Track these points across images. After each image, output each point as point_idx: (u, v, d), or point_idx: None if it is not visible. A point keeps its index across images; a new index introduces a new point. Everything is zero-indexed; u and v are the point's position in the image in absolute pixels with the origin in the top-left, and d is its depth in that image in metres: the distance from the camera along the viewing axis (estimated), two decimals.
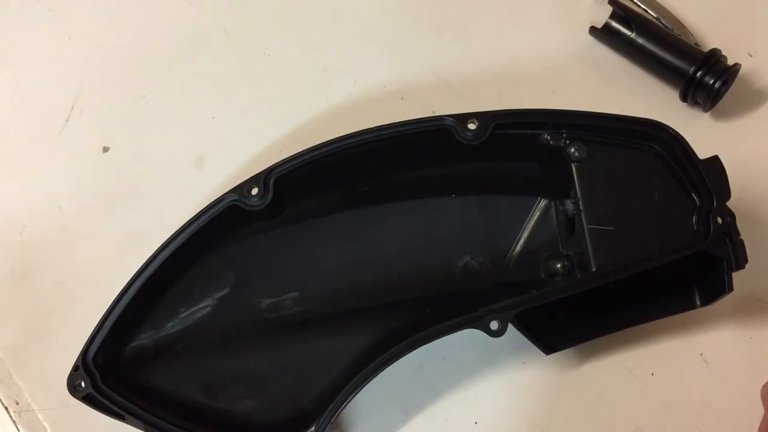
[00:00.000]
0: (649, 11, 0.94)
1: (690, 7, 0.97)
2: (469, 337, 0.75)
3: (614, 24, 0.94)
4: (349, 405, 0.74)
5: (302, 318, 0.79)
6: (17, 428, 0.83)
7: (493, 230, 0.82)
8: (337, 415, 0.73)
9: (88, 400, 0.72)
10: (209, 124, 0.95)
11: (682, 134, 0.75)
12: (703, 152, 0.75)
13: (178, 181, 0.92)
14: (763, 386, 0.76)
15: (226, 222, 0.76)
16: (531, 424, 0.83)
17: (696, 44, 0.92)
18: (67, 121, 0.94)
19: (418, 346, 0.73)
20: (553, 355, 0.80)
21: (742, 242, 0.74)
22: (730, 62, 0.90)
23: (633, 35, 0.92)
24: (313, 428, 0.74)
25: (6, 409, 0.84)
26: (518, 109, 0.76)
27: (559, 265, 0.78)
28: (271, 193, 0.75)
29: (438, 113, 0.79)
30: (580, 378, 0.84)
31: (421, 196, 0.82)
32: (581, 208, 0.75)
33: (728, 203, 0.74)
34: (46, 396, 0.84)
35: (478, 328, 0.73)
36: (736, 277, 0.75)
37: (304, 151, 0.76)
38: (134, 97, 0.96)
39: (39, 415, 0.83)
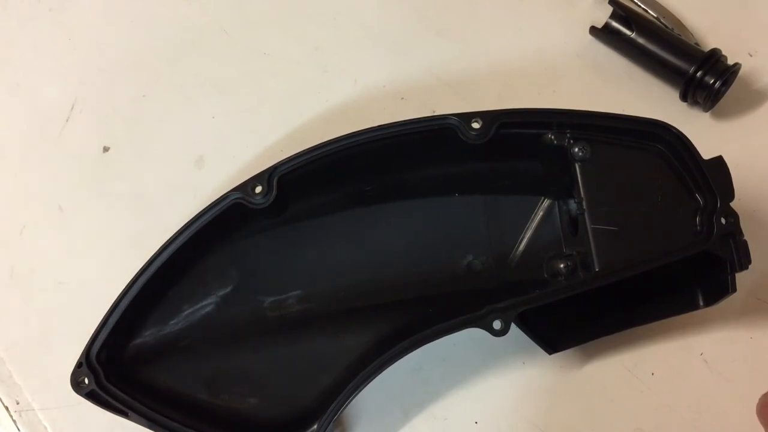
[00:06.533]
0: (650, 11, 0.94)
1: (690, 7, 0.97)
2: (469, 337, 0.76)
3: (614, 24, 0.94)
4: (349, 405, 0.74)
5: (305, 316, 0.79)
6: (17, 428, 0.83)
7: (496, 230, 0.82)
8: (340, 413, 0.73)
9: (92, 396, 0.72)
10: (209, 124, 0.95)
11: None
12: (703, 152, 0.75)
13: (178, 181, 0.92)
14: (759, 400, 0.76)
15: (229, 220, 0.75)
16: (531, 424, 0.83)
17: (696, 44, 0.93)
18: (67, 121, 0.94)
19: (421, 345, 0.73)
20: (553, 355, 0.80)
21: (745, 243, 0.74)
22: (731, 62, 0.90)
23: (633, 35, 0.93)
24: (315, 426, 0.74)
25: (6, 408, 0.84)
26: (522, 109, 0.76)
27: (562, 265, 0.78)
28: (274, 192, 0.74)
29: (438, 113, 0.79)
30: (580, 378, 0.84)
31: (424, 195, 0.82)
32: (585, 207, 0.75)
33: None
34: (46, 396, 0.83)
35: (481, 327, 0.72)
36: (736, 277, 0.75)
37: (308, 149, 0.76)
38: (134, 97, 0.96)
39: (39, 414, 0.83)
